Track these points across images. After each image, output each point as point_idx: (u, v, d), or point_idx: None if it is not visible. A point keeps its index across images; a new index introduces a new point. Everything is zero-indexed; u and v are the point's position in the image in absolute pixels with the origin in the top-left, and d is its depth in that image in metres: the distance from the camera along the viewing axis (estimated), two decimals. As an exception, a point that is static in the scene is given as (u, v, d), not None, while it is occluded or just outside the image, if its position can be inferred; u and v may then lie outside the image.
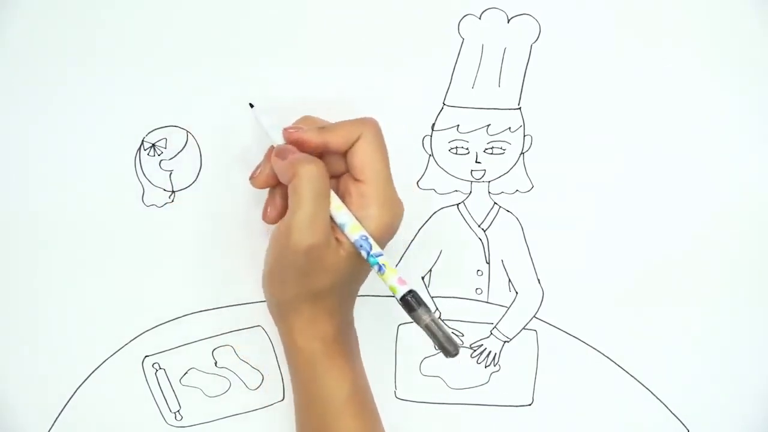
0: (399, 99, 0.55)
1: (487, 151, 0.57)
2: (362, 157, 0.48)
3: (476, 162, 0.57)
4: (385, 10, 0.54)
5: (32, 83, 0.54)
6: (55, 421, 0.60)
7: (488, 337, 0.60)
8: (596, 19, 0.54)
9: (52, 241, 0.57)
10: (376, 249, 0.47)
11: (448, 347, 0.43)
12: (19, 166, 0.56)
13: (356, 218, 0.48)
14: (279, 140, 0.50)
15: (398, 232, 0.57)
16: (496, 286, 0.59)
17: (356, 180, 0.49)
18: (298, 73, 0.55)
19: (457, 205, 0.58)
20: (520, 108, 0.56)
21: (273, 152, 0.50)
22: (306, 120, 0.52)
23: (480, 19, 0.54)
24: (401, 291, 0.45)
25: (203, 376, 0.60)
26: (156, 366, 0.59)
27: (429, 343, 0.60)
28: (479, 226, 0.58)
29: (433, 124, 0.56)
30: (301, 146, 0.50)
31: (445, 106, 0.56)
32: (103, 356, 0.59)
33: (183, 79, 0.55)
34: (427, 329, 0.44)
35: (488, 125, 0.56)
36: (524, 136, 0.56)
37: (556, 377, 0.61)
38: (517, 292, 0.59)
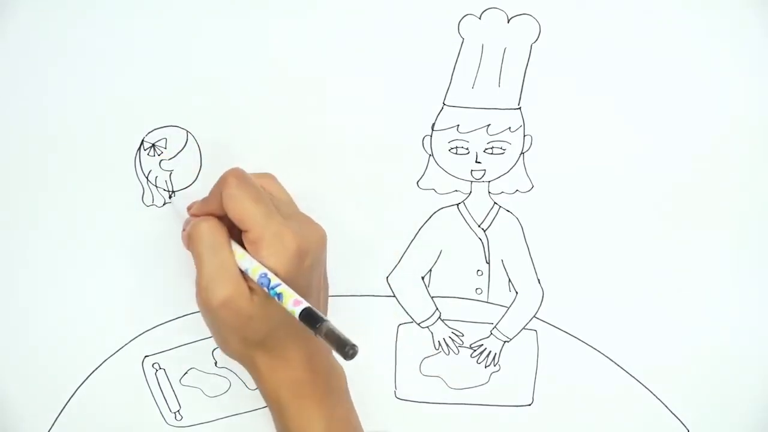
0: (399, 99, 0.55)
1: (487, 151, 0.57)
2: (232, 212, 0.49)
3: (476, 162, 0.57)
4: (385, 10, 0.54)
5: (32, 83, 0.54)
6: (54, 422, 0.60)
7: (488, 337, 0.60)
8: (596, 19, 0.54)
9: (52, 241, 0.57)
10: (274, 281, 0.47)
11: (346, 349, 0.44)
12: (19, 166, 0.56)
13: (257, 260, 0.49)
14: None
15: (398, 232, 0.58)
16: (496, 286, 0.59)
17: (243, 231, 0.49)
18: (298, 72, 0.55)
19: (457, 205, 0.58)
20: (520, 108, 0.56)
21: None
22: (222, 183, 0.51)
23: (480, 19, 0.54)
24: (297, 311, 0.46)
25: (203, 376, 0.60)
26: (156, 366, 0.60)
27: (429, 343, 0.61)
28: (479, 226, 0.58)
29: (433, 124, 0.56)
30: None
31: (445, 106, 0.56)
32: (103, 356, 0.59)
33: (183, 79, 0.55)
34: (326, 337, 0.44)
35: (488, 125, 0.56)
36: (524, 136, 0.56)
37: (556, 377, 0.61)
38: (517, 292, 0.59)
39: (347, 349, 0.43)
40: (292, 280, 0.48)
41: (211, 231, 0.49)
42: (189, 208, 0.53)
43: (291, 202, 0.54)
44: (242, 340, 0.50)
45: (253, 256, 0.48)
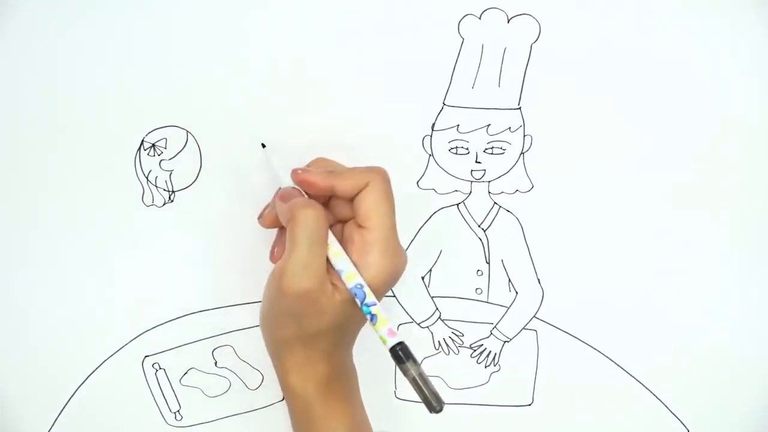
0: (399, 99, 0.56)
1: (487, 151, 0.57)
2: (369, 205, 0.49)
3: (476, 162, 0.57)
4: (385, 10, 0.54)
5: (32, 83, 0.54)
6: (55, 422, 0.60)
7: (488, 337, 0.60)
8: (596, 19, 0.54)
9: (52, 241, 0.57)
10: (370, 298, 0.47)
11: (432, 403, 0.43)
12: (20, 166, 0.56)
13: (355, 265, 0.48)
14: (287, 182, 0.51)
15: (398, 232, 0.58)
16: (496, 286, 0.59)
17: (360, 227, 0.49)
18: (298, 72, 0.55)
19: (457, 205, 0.58)
20: (520, 108, 0.56)
21: (278, 194, 0.51)
22: (318, 162, 0.53)
23: (480, 19, 0.54)
24: (391, 342, 0.46)
25: (203, 376, 0.60)
26: (156, 366, 0.60)
27: (429, 343, 0.61)
28: (479, 226, 0.58)
29: (433, 124, 0.56)
30: (307, 187, 0.50)
31: (445, 106, 0.56)
32: (103, 356, 0.59)
33: (183, 79, 0.55)
34: (414, 383, 0.44)
35: (488, 125, 0.56)
36: (524, 136, 0.56)
37: (556, 377, 0.61)
38: (517, 292, 0.59)
39: (435, 404, 0.42)
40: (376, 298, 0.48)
41: (317, 221, 0.48)
42: (298, 172, 0.51)
43: None
44: (298, 329, 0.49)
45: (352, 257, 0.48)
